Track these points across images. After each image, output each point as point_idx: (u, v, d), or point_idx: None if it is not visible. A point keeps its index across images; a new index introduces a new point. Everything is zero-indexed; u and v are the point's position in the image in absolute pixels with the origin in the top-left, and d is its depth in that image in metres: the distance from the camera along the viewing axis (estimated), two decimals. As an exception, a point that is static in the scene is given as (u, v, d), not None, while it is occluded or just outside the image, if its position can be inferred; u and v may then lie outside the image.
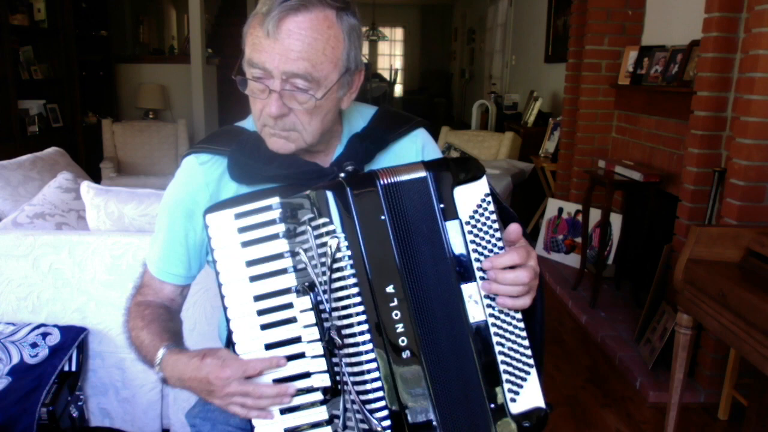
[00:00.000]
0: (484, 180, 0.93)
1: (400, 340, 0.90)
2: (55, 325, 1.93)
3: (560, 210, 4.15)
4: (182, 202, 1.08)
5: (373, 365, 0.89)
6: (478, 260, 0.93)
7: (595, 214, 3.66)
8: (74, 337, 1.92)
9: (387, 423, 0.89)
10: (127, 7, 7.42)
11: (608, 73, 3.89)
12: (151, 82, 6.20)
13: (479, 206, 0.93)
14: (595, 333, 3.11)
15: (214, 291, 1.82)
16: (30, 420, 1.80)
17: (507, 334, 0.94)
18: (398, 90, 14.24)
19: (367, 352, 0.89)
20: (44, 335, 1.89)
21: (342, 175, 0.95)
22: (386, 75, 13.65)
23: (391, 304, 0.90)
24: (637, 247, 3.50)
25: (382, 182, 0.91)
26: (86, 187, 2.07)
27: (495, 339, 0.93)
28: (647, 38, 3.72)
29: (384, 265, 0.90)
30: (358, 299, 0.89)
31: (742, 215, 2.30)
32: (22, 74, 4.85)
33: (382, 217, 0.90)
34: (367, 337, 0.89)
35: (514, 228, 0.94)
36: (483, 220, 0.93)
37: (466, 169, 0.94)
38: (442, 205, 0.92)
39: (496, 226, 0.93)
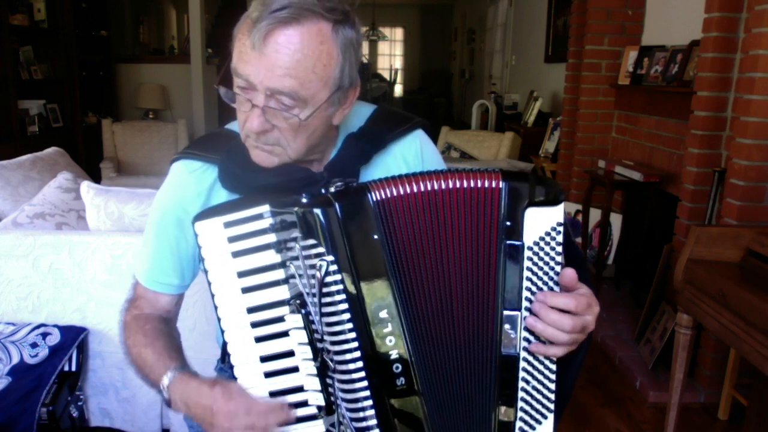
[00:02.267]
0: (560, 207, 0.85)
1: (393, 367, 0.85)
2: (55, 325, 1.93)
3: (560, 210, 4.14)
4: (172, 211, 1.04)
5: (366, 393, 0.85)
6: (529, 290, 0.85)
7: (595, 214, 3.66)
8: (74, 337, 1.92)
9: None
10: (127, 7, 7.42)
11: (608, 73, 3.89)
12: (151, 82, 6.20)
13: (548, 234, 0.85)
14: (595, 333, 3.10)
15: (214, 291, 1.82)
16: (30, 420, 1.80)
17: (536, 372, 0.88)
18: (398, 90, 14.25)
19: (360, 379, 0.84)
20: (44, 335, 1.89)
21: (331, 189, 0.86)
22: (386, 75, 13.66)
23: (385, 330, 0.85)
24: (637, 247, 3.50)
25: (374, 197, 0.84)
26: (86, 187, 2.07)
27: (522, 374, 0.88)
28: (647, 38, 3.72)
29: (377, 289, 0.84)
30: (349, 325, 0.83)
31: (742, 215, 2.30)
32: (22, 74, 4.85)
33: (375, 236, 0.84)
34: (360, 364, 0.84)
35: (569, 273, 0.85)
36: (547, 250, 0.85)
37: (546, 190, 0.85)
38: (508, 223, 0.84)
39: (558, 259, 0.85)
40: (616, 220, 3.65)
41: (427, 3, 13.76)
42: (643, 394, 2.60)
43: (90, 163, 5.25)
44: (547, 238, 0.85)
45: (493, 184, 0.85)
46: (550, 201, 0.85)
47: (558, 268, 0.86)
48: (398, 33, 14.66)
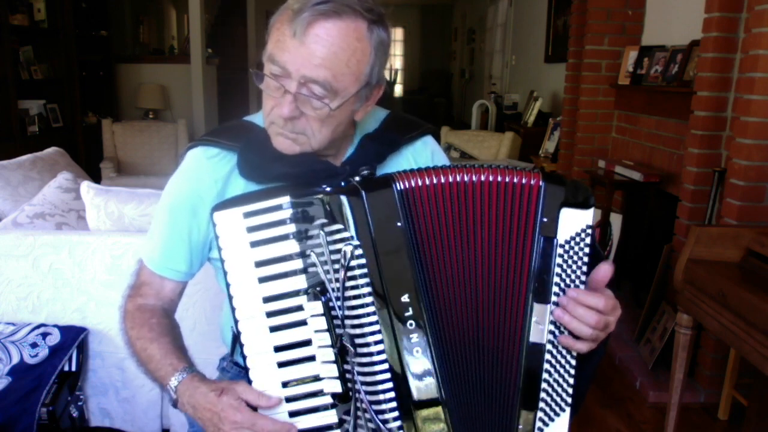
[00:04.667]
0: (590, 211, 0.89)
1: (414, 351, 0.88)
2: (55, 325, 1.93)
3: (560, 210, 4.14)
4: (187, 197, 1.05)
5: (387, 375, 0.87)
6: (558, 285, 0.89)
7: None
8: (74, 337, 1.92)
9: None
10: (127, 7, 7.42)
11: (608, 73, 3.89)
12: (151, 82, 6.19)
13: (578, 235, 0.89)
14: (595, 333, 3.11)
15: (214, 291, 1.82)
16: (30, 420, 1.80)
17: (557, 365, 0.91)
18: (398, 90, 14.24)
19: (381, 362, 0.87)
20: (44, 335, 1.89)
21: (357, 178, 0.91)
22: (386, 75, 13.64)
23: (406, 314, 0.87)
24: (637, 247, 3.50)
25: (398, 187, 0.88)
26: (86, 187, 2.07)
27: (545, 365, 0.91)
28: (647, 38, 3.72)
29: (399, 274, 0.87)
30: (372, 309, 0.86)
31: (742, 215, 2.30)
32: (22, 74, 4.85)
33: (399, 224, 0.87)
34: (381, 347, 0.87)
35: (605, 269, 0.90)
36: (576, 249, 0.89)
37: (579, 193, 0.90)
38: (545, 219, 0.88)
39: (585, 260, 0.89)
40: (616, 220, 3.65)
41: (427, 3, 13.75)
42: (643, 394, 2.60)
43: (90, 163, 5.25)
44: (577, 239, 0.88)
45: (533, 182, 0.88)
46: (583, 204, 0.89)
47: (585, 268, 0.89)
48: (398, 33, 14.64)
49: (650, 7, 3.71)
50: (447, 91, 13.23)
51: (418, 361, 0.88)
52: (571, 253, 0.88)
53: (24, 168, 2.61)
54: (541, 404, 0.91)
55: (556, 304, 0.89)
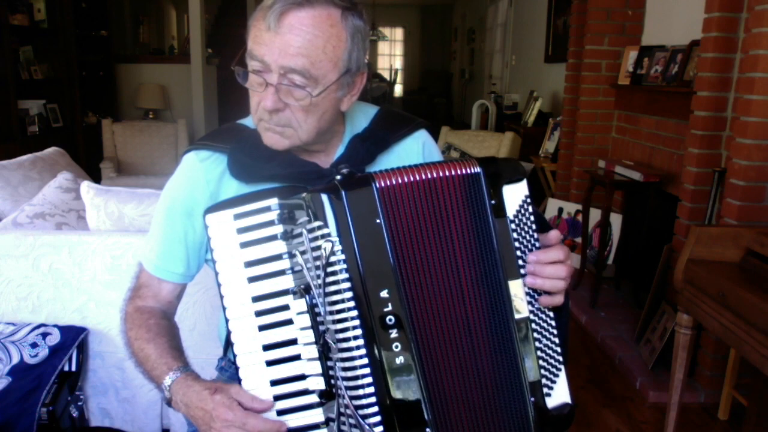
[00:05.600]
0: (525, 181, 0.94)
1: (393, 346, 0.88)
2: (55, 325, 1.93)
3: (560, 210, 4.15)
4: (182, 199, 1.07)
5: (366, 370, 0.88)
6: (520, 258, 0.93)
7: (595, 214, 3.66)
8: (74, 337, 1.92)
9: (379, 429, 0.89)
10: (127, 7, 7.42)
11: (608, 73, 3.89)
12: (151, 82, 6.20)
13: (521, 206, 0.93)
14: (595, 333, 3.11)
15: (214, 291, 1.82)
16: (30, 420, 1.80)
17: (543, 331, 0.95)
18: (398, 90, 14.25)
19: (360, 356, 0.88)
20: (44, 335, 1.89)
21: (338, 177, 0.92)
22: (386, 75, 13.65)
23: (386, 309, 0.88)
24: (637, 247, 3.50)
25: (377, 185, 0.89)
26: (86, 187, 2.07)
27: (534, 335, 0.94)
28: (647, 38, 3.72)
29: (378, 270, 0.88)
30: (351, 304, 0.88)
31: (742, 215, 2.30)
32: (22, 74, 4.85)
33: (378, 221, 0.88)
34: (361, 342, 0.88)
35: (555, 234, 0.97)
36: (524, 220, 0.94)
37: (513, 168, 0.94)
38: (492, 202, 0.92)
39: (534, 227, 0.94)
40: (616, 220, 3.65)
41: (427, 3, 13.75)
42: (643, 394, 2.60)
43: (90, 163, 5.25)
44: (522, 210, 0.94)
45: (473, 170, 0.92)
46: (518, 178, 0.94)
47: (536, 235, 0.95)
48: (398, 33, 14.65)
49: (650, 7, 3.71)
50: (447, 91, 13.23)
51: (398, 357, 0.89)
52: (521, 224, 0.94)
53: (24, 168, 2.61)
54: (542, 371, 0.94)
55: (524, 275, 0.93)
